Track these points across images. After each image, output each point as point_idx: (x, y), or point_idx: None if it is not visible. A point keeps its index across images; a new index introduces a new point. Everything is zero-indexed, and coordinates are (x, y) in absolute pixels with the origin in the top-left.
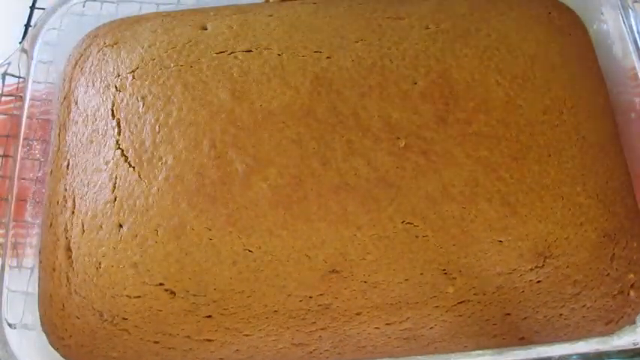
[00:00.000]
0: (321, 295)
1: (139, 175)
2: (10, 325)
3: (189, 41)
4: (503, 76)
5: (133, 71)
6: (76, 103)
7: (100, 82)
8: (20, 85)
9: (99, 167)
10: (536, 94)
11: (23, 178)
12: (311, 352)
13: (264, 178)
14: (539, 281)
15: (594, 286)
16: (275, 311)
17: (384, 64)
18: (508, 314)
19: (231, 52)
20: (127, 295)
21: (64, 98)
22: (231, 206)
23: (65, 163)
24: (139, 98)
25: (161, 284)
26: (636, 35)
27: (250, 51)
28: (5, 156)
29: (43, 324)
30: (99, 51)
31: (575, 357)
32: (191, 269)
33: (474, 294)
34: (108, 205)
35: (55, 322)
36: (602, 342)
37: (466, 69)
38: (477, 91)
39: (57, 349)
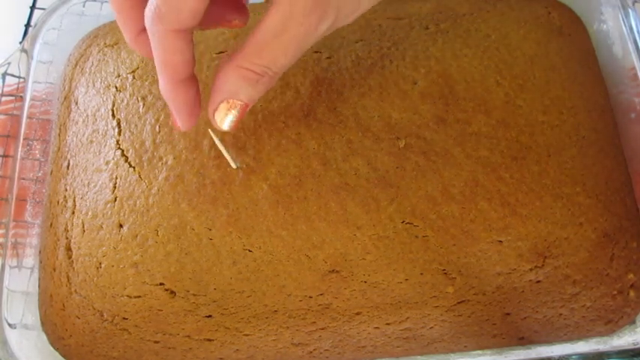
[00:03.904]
0: (321, 295)
1: (140, 176)
2: (10, 325)
3: None
4: (503, 76)
5: (133, 71)
6: (77, 103)
7: (101, 83)
8: (20, 85)
9: (99, 167)
10: (536, 94)
11: (23, 178)
12: (311, 352)
13: (264, 178)
14: (538, 281)
15: (594, 286)
16: (275, 311)
17: (384, 64)
18: (508, 314)
19: None
20: (128, 295)
21: (65, 98)
22: (231, 206)
23: (65, 163)
24: (140, 98)
25: (161, 284)
26: (636, 35)
27: None
28: (5, 156)
29: (43, 324)
30: (99, 51)
31: (575, 357)
32: (191, 269)
33: (474, 294)
34: (108, 205)
35: (55, 322)
36: (602, 342)
37: (466, 69)
38: (477, 91)
39: (57, 349)
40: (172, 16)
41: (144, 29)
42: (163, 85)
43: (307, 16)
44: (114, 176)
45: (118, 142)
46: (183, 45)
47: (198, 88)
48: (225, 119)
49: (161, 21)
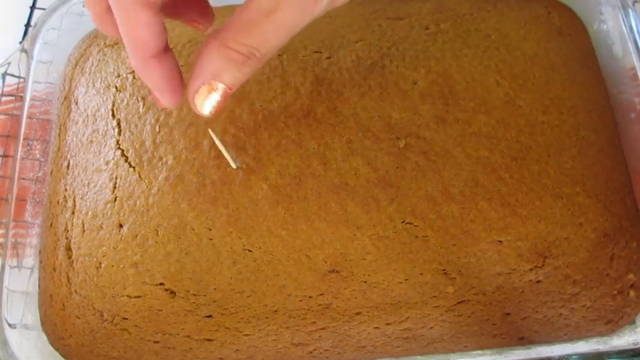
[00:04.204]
0: (321, 295)
1: (140, 176)
2: (10, 325)
3: (190, 41)
4: (503, 76)
5: (133, 71)
6: (77, 103)
7: (101, 83)
8: (20, 85)
9: (99, 167)
10: (536, 94)
11: (23, 178)
12: (311, 352)
13: (264, 178)
14: (538, 281)
15: (594, 286)
16: (275, 311)
17: (384, 64)
18: (508, 314)
19: None
20: (128, 295)
21: (65, 98)
22: (231, 206)
23: (65, 163)
24: (140, 98)
25: (161, 284)
26: (636, 35)
27: None
28: (5, 156)
29: (43, 324)
30: (99, 51)
31: (575, 357)
32: (191, 269)
33: (474, 294)
34: (108, 205)
35: (55, 322)
36: (602, 342)
37: (466, 69)
38: (477, 91)
39: (57, 349)
40: None
41: (109, 7)
42: (135, 64)
43: None
44: (114, 176)
45: (118, 142)
46: (151, 18)
47: (176, 61)
48: (206, 103)
49: None
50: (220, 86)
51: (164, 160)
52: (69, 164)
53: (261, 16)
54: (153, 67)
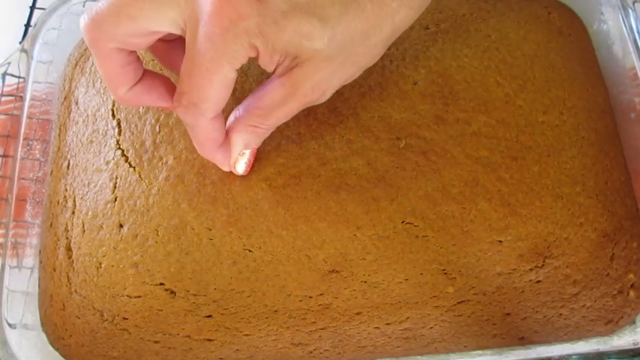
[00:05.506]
0: (321, 295)
1: (140, 176)
2: (10, 325)
3: None
4: (503, 76)
5: None
6: (77, 103)
7: (101, 83)
8: (20, 85)
9: (99, 167)
10: (536, 94)
11: (23, 178)
12: (311, 352)
13: (264, 178)
14: (539, 281)
15: (594, 286)
16: (275, 311)
17: (384, 64)
18: (508, 314)
19: None
20: (128, 295)
21: (65, 98)
22: (231, 206)
23: (65, 163)
24: None
25: (161, 284)
26: (636, 35)
27: None
28: (5, 156)
29: (43, 324)
30: None
31: (575, 357)
32: (191, 269)
33: (474, 294)
34: (108, 206)
35: (55, 322)
36: (602, 342)
37: (466, 69)
38: (477, 91)
39: (57, 349)
40: (213, 109)
41: (134, 84)
42: (206, 154)
43: (308, 96)
44: (114, 176)
45: (118, 142)
46: (220, 124)
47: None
48: (242, 165)
49: (203, 115)
50: (248, 150)
51: (164, 160)
52: (69, 164)
53: (275, 107)
54: (220, 153)
